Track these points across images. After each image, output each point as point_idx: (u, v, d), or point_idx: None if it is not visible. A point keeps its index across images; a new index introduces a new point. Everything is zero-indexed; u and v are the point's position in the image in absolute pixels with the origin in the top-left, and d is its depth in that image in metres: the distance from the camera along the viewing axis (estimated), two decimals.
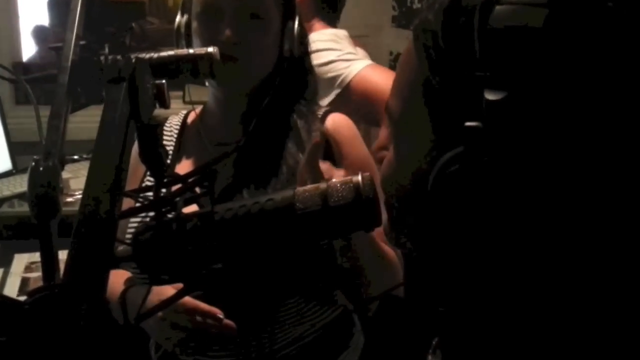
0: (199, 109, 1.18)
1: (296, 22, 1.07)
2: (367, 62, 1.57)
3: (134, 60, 0.57)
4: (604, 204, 0.42)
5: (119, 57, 0.65)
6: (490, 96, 0.41)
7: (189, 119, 1.18)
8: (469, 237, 0.45)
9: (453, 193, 0.43)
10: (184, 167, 1.09)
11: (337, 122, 1.09)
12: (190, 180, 0.58)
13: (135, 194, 0.58)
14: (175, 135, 1.15)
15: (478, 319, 0.50)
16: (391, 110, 0.52)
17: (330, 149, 1.03)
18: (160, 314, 0.90)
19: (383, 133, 0.58)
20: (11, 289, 1.45)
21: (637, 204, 0.42)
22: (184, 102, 2.47)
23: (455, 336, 0.54)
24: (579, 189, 0.42)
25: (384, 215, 0.57)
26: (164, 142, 1.14)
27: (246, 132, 1.05)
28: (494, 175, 0.42)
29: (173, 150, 1.13)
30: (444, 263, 0.50)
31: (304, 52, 1.11)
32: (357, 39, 1.82)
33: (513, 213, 0.43)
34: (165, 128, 1.17)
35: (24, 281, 1.49)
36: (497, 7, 0.41)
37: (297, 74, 1.10)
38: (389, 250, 1.01)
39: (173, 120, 1.18)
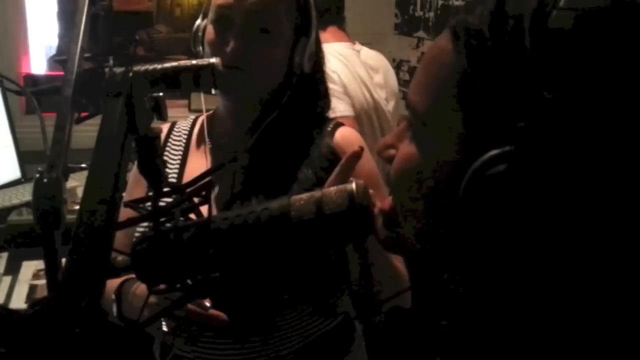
0: (207, 114, 1.18)
1: (311, 38, 1.06)
2: (343, 113, 1.57)
3: (131, 75, 0.58)
4: None
5: (117, 70, 0.67)
6: (547, 95, 0.41)
7: (197, 124, 1.18)
8: (507, 240, 0.44)
9: (495, 193, 0.43)
10: (190, 172, 1.10)
11: (347, 136, 1.09)
12: (188, 190, 0.59)
13: (133, 204, 0.59)
14: (184, 140, 1.15)
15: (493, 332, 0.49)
16: (415, 106, 0.51)
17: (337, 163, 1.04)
18: (154, 299, 0.88)
19: (393, 133, 0.58)
20: (19, 297, 1.47)
21: None
22: (190, 110, 2.49)
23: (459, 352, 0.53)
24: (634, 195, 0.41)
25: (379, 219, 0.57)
26: (173, 146, 1.15)
27: (252, 143, 1.05)
28: (546, 176, 0.41)
29: (181, 156, 1.13)
30: (467, 262, 0.48)
31: (316, 69, 1.10)
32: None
33: (564, 219, 0.42)
34: (174, 132, 1.17)
35: (32, 288, 1.50)
36: (557, 11, 0.42)
37: (307, 89, 1.09)
38: (397, 262, 1.01)
39: (182, 125, 1.19)
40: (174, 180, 1.09)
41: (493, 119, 0.44)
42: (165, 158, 1.14)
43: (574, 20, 0.42)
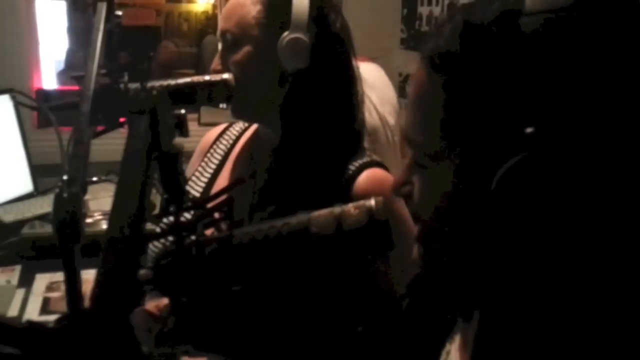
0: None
1: (294, 31, 0.95)
2: None
3: (154, 93, 0.60)
4: None
5: (139, 86, 0.68)
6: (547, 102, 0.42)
7: (248, 132, 1.15)
8: (539, 240, 0.45)
9: (522, 198, 0.44)
10: (224, 177, 1.10)
11: (371, 183, 0.96)
12: (209, 205, 0.60)
13: (155, 219, 0.60)
14: (231, 143, 1.15)
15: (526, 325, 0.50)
16: (413, 139, 0.53)
17: None
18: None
19: (400, 171, 0.59)
20: (33, 309, 1.47)
21: None
22: (199, 124, 2.51)
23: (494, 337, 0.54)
24: None
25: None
26: (222, 145, 1.16)
27: (269, 163, 1.03)
28: (567, 176, 0.43)
29: (221, 159, 1.14)
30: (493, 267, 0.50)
31: (307, 65, 0.96)
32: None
33: (588, 215, 0.44)
34: (227, 132, 1.17)
35: (46, 301, 1.51)
36: (526, 17, 0.43)
37: (303, 91, 0.98)
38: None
39: (236, 127, 1.17)
40: (205, 181, 1.10)
41: (492, 132, 0.45)
42: (208, 156, 1.15)
43: (545, 22, 0.43)
